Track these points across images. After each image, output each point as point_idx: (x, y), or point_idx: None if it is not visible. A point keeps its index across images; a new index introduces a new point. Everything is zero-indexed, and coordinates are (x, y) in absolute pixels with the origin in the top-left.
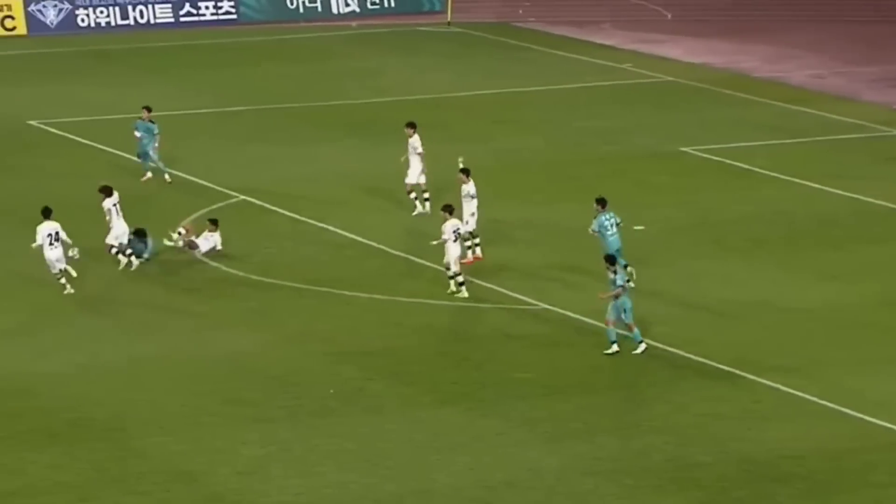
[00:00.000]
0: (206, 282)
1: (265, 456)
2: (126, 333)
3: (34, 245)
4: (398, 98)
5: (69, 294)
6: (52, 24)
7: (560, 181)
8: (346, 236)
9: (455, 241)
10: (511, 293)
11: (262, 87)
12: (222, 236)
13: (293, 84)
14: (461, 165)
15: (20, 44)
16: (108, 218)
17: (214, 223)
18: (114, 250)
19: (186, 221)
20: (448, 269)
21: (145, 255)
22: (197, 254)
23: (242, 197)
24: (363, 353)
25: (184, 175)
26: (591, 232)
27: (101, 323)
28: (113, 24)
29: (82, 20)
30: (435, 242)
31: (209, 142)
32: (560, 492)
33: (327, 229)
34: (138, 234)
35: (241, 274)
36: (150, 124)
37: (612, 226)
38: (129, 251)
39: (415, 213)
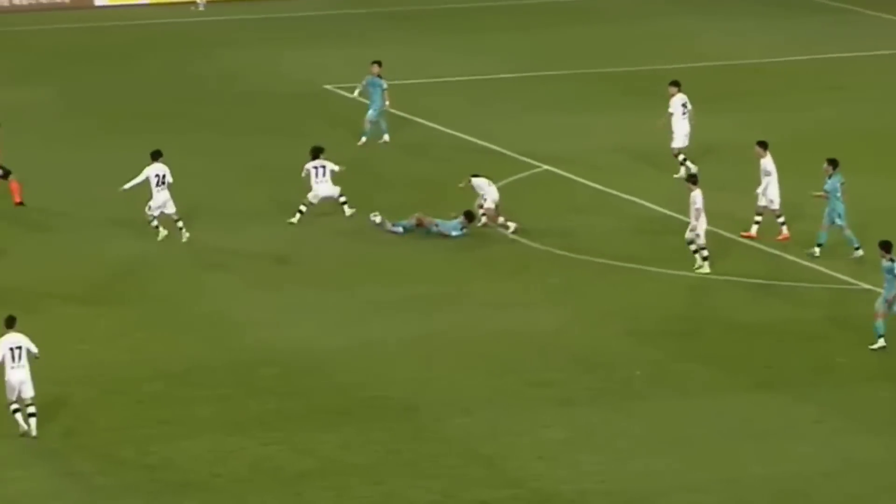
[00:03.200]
0: (507, 256)
1: (568, 440)
2: (420, 308)
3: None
4: (716, 63)
5: (349, 266)
6: None
7: (886, 154)
8: (655, 210)
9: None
10: (831, 272)
11: (571, 51)
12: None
13: (604, 47)
14: None
15: (316, 4)
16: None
17: None
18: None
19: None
20: (692, 242)
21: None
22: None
23: (546, 167)
24: (670, 334)
25: (484, 143)
26: (815, 195)
27: (392, 296)
28: None
29: None
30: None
31: (511, 108)
32: (882, 486)
33: (635, 202)
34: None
35: (543, 248)
36: (377, 79)
37: (839, 188)
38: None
39: (676, 176)
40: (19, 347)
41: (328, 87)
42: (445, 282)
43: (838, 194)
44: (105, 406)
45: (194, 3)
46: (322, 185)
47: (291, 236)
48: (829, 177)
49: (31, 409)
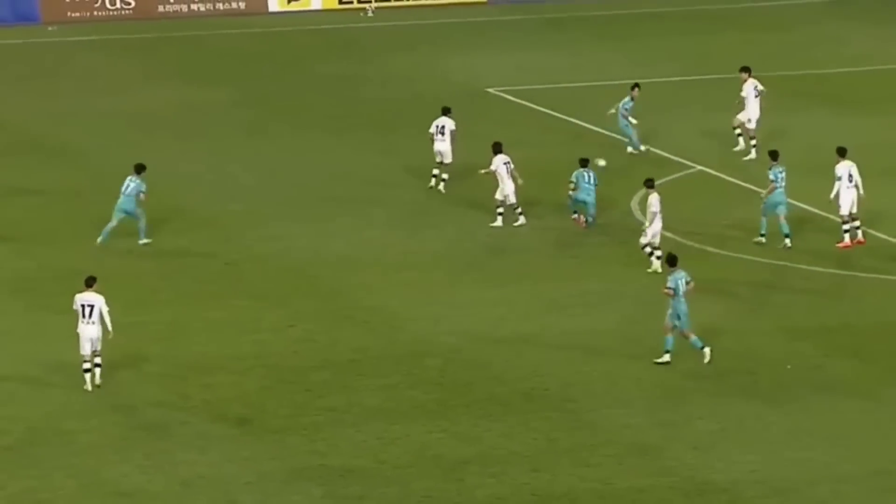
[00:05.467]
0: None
1: (720, 431)
2: (581, 304)
3: None
4: (869, 68)
5: (513, 263)
6: None
7: None
8: (806, 209)
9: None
10: None
11: (725, 56)
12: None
13: (757, 53)
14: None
15: (480, 11)
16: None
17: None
18: (647, 250)
19: None
20: (645, 243)
21: None
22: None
23: (700, 167)
24: (821, 330)
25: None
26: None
27: (555, 292)
28: None
29: None
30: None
31: (668, 111)
32: None
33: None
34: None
35: (696, 245)
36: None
37: (782, 179)
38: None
39: (746, 158)
40: (91, 305)
41: (491, 90)
42: (606, 279)
43: (780, 185)
44: (276, 394)
45: (364, 9)
46: (509, 183)
47: (456, 234)
48: (770, 168)
49: (98, 360)
